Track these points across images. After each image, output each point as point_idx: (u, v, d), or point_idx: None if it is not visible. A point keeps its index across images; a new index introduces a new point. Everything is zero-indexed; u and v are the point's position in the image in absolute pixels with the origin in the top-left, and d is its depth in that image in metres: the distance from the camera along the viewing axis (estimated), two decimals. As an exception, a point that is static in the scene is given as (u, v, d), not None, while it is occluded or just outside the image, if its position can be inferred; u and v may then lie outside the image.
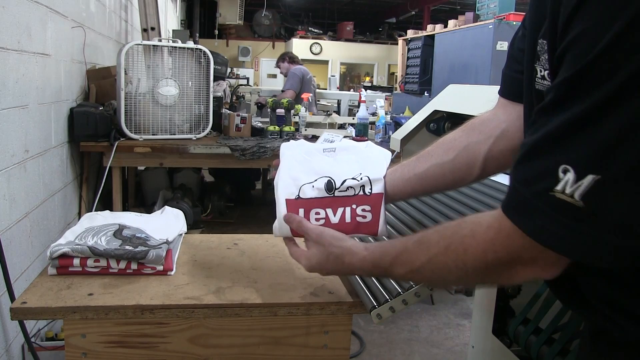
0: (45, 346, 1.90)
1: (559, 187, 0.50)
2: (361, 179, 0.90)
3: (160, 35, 3.37)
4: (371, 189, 0.90)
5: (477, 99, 1.79)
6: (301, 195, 0.90)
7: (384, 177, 0.90)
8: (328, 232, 0.86)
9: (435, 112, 2.02)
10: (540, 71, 0.63)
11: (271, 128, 3.24)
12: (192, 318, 0.95)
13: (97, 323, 0.92)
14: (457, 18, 5.84)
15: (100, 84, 2.93)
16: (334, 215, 0.89)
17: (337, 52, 13.41)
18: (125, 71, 2.72)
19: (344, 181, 0.90)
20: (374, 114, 3.66)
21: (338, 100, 5.39)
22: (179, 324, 0.95)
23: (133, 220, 1.22)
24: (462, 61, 5.28)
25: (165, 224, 1.22)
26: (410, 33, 6.84)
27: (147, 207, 3.50)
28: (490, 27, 4.78)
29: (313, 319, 0.98)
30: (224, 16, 10.05)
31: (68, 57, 2.49)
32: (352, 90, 9.02)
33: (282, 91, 4.93)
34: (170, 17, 7.00)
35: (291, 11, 13.89)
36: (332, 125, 3.60)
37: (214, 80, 3.17)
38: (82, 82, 2.82)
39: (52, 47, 2.19)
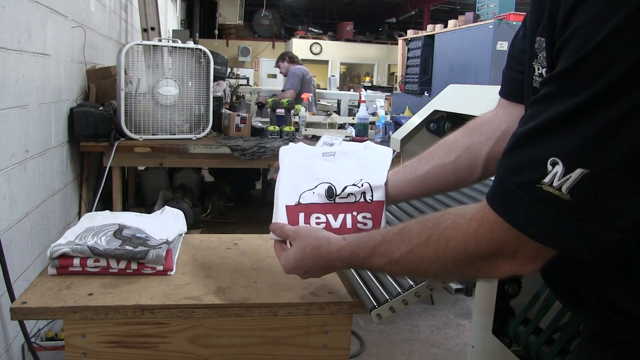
0: (45, 346, 1.90)
1: (546, 180, 0.50)
2: (362, 185, 0.89)
3: (160, 35, 3.37)
4: (372, 196, 0.89)
5: (477, 99, 1.80)
6: (301, 202, 0.90)
7: (385, 183, 0.90)
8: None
9: (435, 112, 2.02)
10: (538, 69, 0.63)
11: (271, 128, 3.23)
12: (192, 318, 0.95)
13: (97, 323, 0.92)
14: (457, 18, 5.84)
15: (100, 84, 2.93)
16: (335, 221, 0.88)
17: (337, 52, 13.41)
18: (125, 71, 2.72)
19: (345, 187, 0.90)
20: (374, 114, 3.66)
21: (338, 100, 5.40)
22: (179, 324, 0.95)
23: (133, 220, 1.22)
24: (462, 61, 5.28)
25: (165, 224, 1.22)
26: (410, 33, 6.84)
27: (147, 207, 3.49)
28: (490, 27, 4.79)
29: (313, 319, 0.98)
30: (224, 16, 10.05)
31: (68, 57, 2.49)
32: (352, 90, 9.02)
33: (283, 91, 4.93)
34: (170, 17, 7.00)
35: (291, 11, 13.89)
36: (332, 125, 3.60)
37: (214, 80, 3.17)
38: (82, 82, 2.82)
39: (52, 47, 2.19)
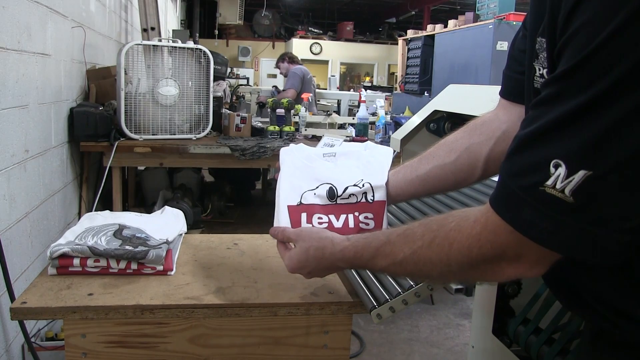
0: (45, 346, 1.90)
1: (549, 182, 0.50)
2: (363, 185, 0.90)
3: (160, 35, 3.37)
4: (373, 196, 0.89)
5: (477, 99, 1.80)
6: (303, 202, 0.90)
7: (386, 183, 0.90)
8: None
9: (435, 112, 2.02)
10: (539, 70, 0.62)
11: (271, 128, 3.24)
12: (192, 318, 0.95)
13: (97, 323, 0.92)
14: (457, 18, 5.84)
15: (100, 84, 2.93)
16: (337, 221, 0.88)
17: (337, 52, 13.40)
18: (125, 71, 2.72)
19: (346, 188, 0.90)
20: (374, 114, 3.66)
21: (338, 100, 5.39)
22: (179, 324, 0.95)
23: (133, 220, 1.22)
24: (462, 61, 5.28)
25: (165, 224, 1.22)
26: (410, 33, 6.84)
27: (147, 207, 3.49)
28: (490, 27, 4.79)
29: (313, 319, 0.98)
30: (224, 16, 10.05)
31: (68, 57, 2.49)
32: (352, 90, 9.02)
33: (283, 90, 4.93)
34: (170, 17, 7.00)
35: (291, 11, 13.89)
36: (332, 125, 3.60)
37: (214, 80, 3.18)
38: (82, 82, 2.82)
39: (52, 47, 2.19)
